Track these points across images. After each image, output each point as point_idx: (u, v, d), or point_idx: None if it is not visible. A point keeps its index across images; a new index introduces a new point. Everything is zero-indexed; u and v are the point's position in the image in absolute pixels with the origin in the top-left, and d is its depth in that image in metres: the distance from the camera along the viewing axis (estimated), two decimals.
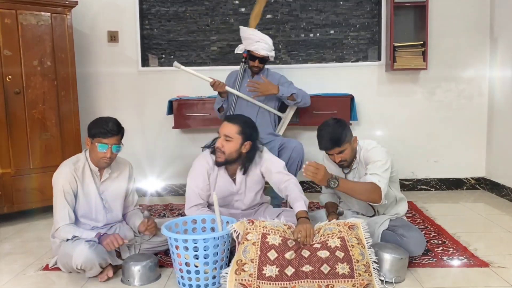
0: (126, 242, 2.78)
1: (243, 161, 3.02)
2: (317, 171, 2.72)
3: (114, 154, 2.85)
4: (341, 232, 2.59)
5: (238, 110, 3.94)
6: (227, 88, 3.87)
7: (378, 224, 2.95)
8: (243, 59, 3.99)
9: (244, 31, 3.96)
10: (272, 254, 2.48)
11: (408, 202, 3.97)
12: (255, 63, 3.92)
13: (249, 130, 2.95)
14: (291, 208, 2.86)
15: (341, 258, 2.46)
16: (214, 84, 3.81)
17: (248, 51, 3.91)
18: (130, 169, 3.11)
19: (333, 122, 2.94)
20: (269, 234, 2.56)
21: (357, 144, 3.02)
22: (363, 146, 3.02)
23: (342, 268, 2.43)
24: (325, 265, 2.44)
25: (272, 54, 3.94)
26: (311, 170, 2.73)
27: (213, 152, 3.03)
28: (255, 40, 3.86)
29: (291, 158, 3.70)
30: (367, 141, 3.05)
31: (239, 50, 4.00)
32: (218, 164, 3.00)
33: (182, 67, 3.88)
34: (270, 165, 3.05)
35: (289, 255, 2.48)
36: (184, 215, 3.00)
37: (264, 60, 3.92)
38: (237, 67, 4.16)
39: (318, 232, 2.62)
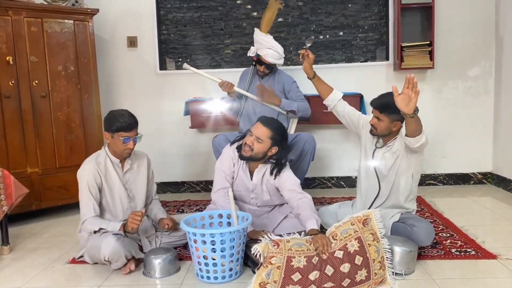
0: (144, 212, 2.80)
1: (264, 161, 3.03)
2: (409, 99, 2.54)
3: (135, 144, 2.89)
4: (357, 232, 2.51)
5: (249, 107, 3.95)
6: (235, 88, 3.87)
7: (389, 216, 2.95)
8: (253, 62, 3.96)
9: (257, 35, 3.92)
10: (296, 276, 2.39)
11: (417, 196, 3.96)
12: (261, 68, 3.90)
13: (279, 137, 2.95)
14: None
15: (360, 265, 2.42)
16: (222, 85, 3.82)
17: (258, 54, 3.88)
18: (148, 159, 3.15)
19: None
20: (294, 257, 2.42)
21: (397, 129, 2.93)
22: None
23: (360, 275, 2.42)
24: (346, 279, 2.41)
25: (280, 62, 3.90)
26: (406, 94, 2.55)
27: (238, 148, 3.05)
28: (266, 46, 3.82)
29: (304, 150, 3.69)
30: None
31: (251, 52, 3.96)
32: (242, 157, 3.01)
33: (192, 68, 3.89)
34: (284, 181, 3.02)
35: (313, 275, 2.39)
36: (202, 210, 3.00)
37: (270, 67, 3.89)
38: (250, 69, 4.15)
39: (335, 238, 2.52)
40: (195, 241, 2.55)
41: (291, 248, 2.44)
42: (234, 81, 3.92)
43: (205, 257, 2.55)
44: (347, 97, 4.21)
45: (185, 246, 3.07)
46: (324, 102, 3.22)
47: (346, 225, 2.57)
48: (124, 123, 2.80)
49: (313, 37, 3.89)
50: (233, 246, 2.56)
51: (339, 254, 2.45)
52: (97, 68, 4.22)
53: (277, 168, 3.02)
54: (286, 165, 3.08)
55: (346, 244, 2.48)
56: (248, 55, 4.00)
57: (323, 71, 4.48)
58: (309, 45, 3.24)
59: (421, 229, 2.82)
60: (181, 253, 3.00)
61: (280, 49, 3.85)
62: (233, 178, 3.10)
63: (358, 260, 2.43)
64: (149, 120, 4.73)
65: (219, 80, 3.84)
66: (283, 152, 3.01)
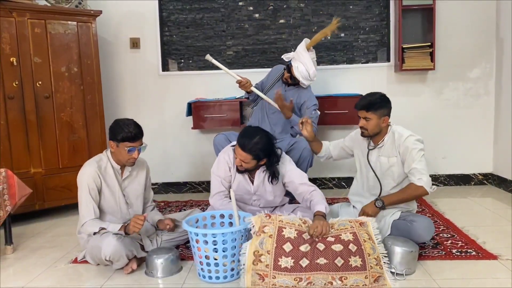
0: (147, 216, 2.81)
1: (264, 167, 3.04)
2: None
3: (139, 154, 2.90)
4: (353, 228, 2.60)
5: (264, 104, 3.96)
6: (253, 88, 3.85)
7: (390, 214, 2.95)
8: (285, 67, 3.89)
9: (301, 45, 3.82)
10: (288, 247, 2.48)
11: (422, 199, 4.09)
12: (286, 75, 3.85)
13: (262, 153, 2.91)
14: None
15: (354, 251, 2.46)
16: (241, 83, 3.81)
17: (291, 64, 3.82)
18: (147, 166, 3.15)
19: (380, 94, 2.99)
20: (285, 228, 2.55)
21: (385, 125, 2.98)
22: (397, 131, 2.99)
23: (355, 261, 2.44)
24: (338, 258, 2.45)
25: (305, 82, 3.80)
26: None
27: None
28: (300, 60, 3.75)
29: (302, 157, 3.69)
30: (400, 127, 3.01)
31: (286, 57, 3.90)
32: (239, 172, 3.03)
33: (213, 60, 3.83)
34: (293, 176, 3.03)
35: (304, 247, 2.48)
36: (203, 210, 3.01)
37: (295, 81, 3.83)
38: (254, 70, 4.14)
39: (332, 227, 2.61)
40: (197, 241, 2.55)
41: (282, 220, 2.59)
42: (237, 83, 3.90)
43: (207, 257, 2.56)
44: (348, 98, 4.34)
45: (187, 245, 3.09)
46: (318, 155, 3.35)
47: (344, 221, 2.67)
48: (129, 133, 2.79)
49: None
50: (235, 246, 2.57)
51: (331, 239, 2.53)
52: (100, 69, 4.22)
53: (272, 172, 3.02)
54: (285, 159, 3.09)
55: (340, 234, 2.55)
56: (282, 57, 3.95)
57: (325, 72, 4.61)
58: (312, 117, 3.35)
59: (420, 224, 2.84)
60: (183, 253, 3.00)
61: (312, 71, 3.75)
62: (229, 182, 3.10)
63: (352, 247, 2.48)
64: (152, 121, 4.74)
65: (238, 77, 3.82)
66: (274, 159, 3.00)
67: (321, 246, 2.49)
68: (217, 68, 3.86)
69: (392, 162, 2.95)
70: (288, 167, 3.06)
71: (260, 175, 3.06)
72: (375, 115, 2.91)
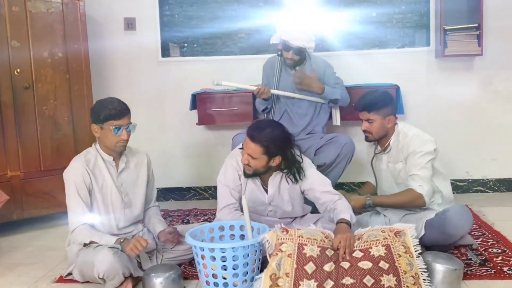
0: (150, 243, 2.81)
1: (278, 169, 3.00)
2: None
3: (129, 135, 2.88)
4: (387, 239, 2.57)
5: (282, 106, 3.99)
6: (272, 91, 3.87)
7: (426, 217, 2.96)
8: (279, 52, 3.92)
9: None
10: (310, 267, 2.45)
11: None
12: (289, 55, 3.85)
13: (274, 148, 2.85)
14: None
15: (386, 269, 2.43)
16: (259, 92, 3.82)
17: (283, 40, 3.83)
18: (148, 158, 3.15)
19: (382, 91, 3.13)
20: (306, 245, 2.53)
21: (392, 125, 3.07)
22: (403, 130, 3.07)
23: (388, 280, 2.40)
24: (368, 276, 2.42)
25: (311, 45, 3.85)
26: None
27: None
28: (288, 30, 3.80)
29: (341, 154, 3.71)
30: (408, 126, 3.11)
31: (274, 40, 3.90)
32: (246, 176, 3.00)
33: (224, 82, 3.86)
34: (314, 183, 3.00)
35: (328, 267, 2.46)
36: (210, 221, 2.99)
37: (300, 51, 3.85)
38: (267, 56, 4.17)
39: (360, 239, 2.60)
40: (202, 257, 2.54)
41: (302, 235, 2.57)
42: (253, 71, 4.00)
43: (214, 276, 2.54)
44: (381, 88, 4.23)
45: (191, 262, 3.05)
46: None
47: (375, 231, 2.65)
48: (113, 109, 2.80)
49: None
50: (247, 263, 2.55)
51: (358, 254, 2.51)
52: (89, 54, 4.21)
53: (292, 176, 2.99)
54: (304, 165, 3.04)
55: (371, 247, 2.54)
56: (271, 42, 3.95)
57: (353, 58, 4.65)
58: None
59: (453, 211, 2.86)
60: (186, 271, 2.99)
61: (309, 29, 3.83)
62: (239, 192, 3.07)
63: (384, 265, 2.45)
64: (150, 115, 4.76)
65: (254, 87, 3.84)
66: (290, 156, 2.96)
67: (345, 264, 2.48)
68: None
69: (399, 168, 3.06)
70: (308, 173, 3.03)
71: (275, 181, 3.03)
72: (378, 115, 3.00)
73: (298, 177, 2.98)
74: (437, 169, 3.06)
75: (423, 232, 2.85)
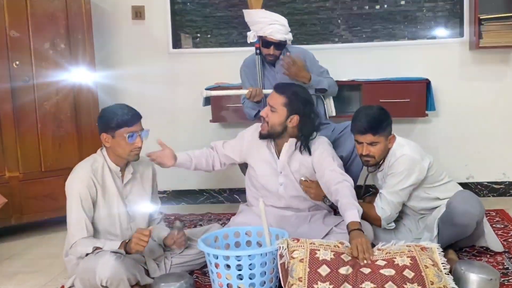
0: (152, 229, 2.77)
1: (294, 136, 3.10)
2: (308, 186, 3.04)
3: (142, 143, 2.88)
4: (412, 252, 2.55)
5: None
6: (264, 91, 3.80)
7: (436, 218, 2.98)
8: (257, 50, 3.87)
9: (251, 15, 3.86)
10: (324, 270, 2.45)
11: (499, 210, 4.11)
12: (270, 51, 3.79)
13: (296, 103, 3.01)
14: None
15: (411, 278, 2.39)
16: (251, 95, 3.74)
17: (260, 37, 3.78)
18: (153, 168, 3.16)
19: (378, 107, 3.00)
20: (318, 250, 2.54)
21: (391, 145, 3.00)
22: (392, 149, 3.00)
23: None
24: (390, 283, 2.37)
25: (289, 37, 3.84)
26: (304, 185, 3.06)
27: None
28: (268, 23, 3.74)
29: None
30: (399, 143, 3.00)
31: (250, 38, 3.88)
32: (261, 136, 3.13)
33: (213, 92, 3.92)
34: (324, 159, 3.06)
35: (344, 270, 2.44)
36: (224, 224, 3.21)
37: (281, 45, 3.81)
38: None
39: (382, 251, 2.59)
40: (216, 265, 2.57)
41: (314, 242, 2.59)
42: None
43: (229, 286, 2.57)
44: (410, 83, 4.41)
45: (204, 270, 3.05)
46: None
47: (400, 246, 2.63)
48: (125, 115, 2.78)
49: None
50: (265, 272, 2.58)
51: (381, 263, 2.48)
52: (93, 46, 4.19)
53: (303, 142, 3.08)
54: (320, 139, 3.16)
55: (395, 258, 2.50)
56: (248, 41, 3.92)
57: (380, 50, 4.63)
58: None
59: (457, 200, 2.84)
60: (198, 280, 2.98)
61: (284, 20, 3.82)
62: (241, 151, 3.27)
63: (408, 273, 2.42)
64: (160, 112, 4.69)
65: (245, 91, 3.78)
66: (308, 121, 3.06)
67: (366, 270, 2.45)
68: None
69: None
70: (322, 146, 3.11)
71: (289, 149, 3.12)
72: (383, 137, 2.90)
73: (304, 145, 3.08)
74: (435, 180, 3.05)
75: (436, 232, 2.90)
